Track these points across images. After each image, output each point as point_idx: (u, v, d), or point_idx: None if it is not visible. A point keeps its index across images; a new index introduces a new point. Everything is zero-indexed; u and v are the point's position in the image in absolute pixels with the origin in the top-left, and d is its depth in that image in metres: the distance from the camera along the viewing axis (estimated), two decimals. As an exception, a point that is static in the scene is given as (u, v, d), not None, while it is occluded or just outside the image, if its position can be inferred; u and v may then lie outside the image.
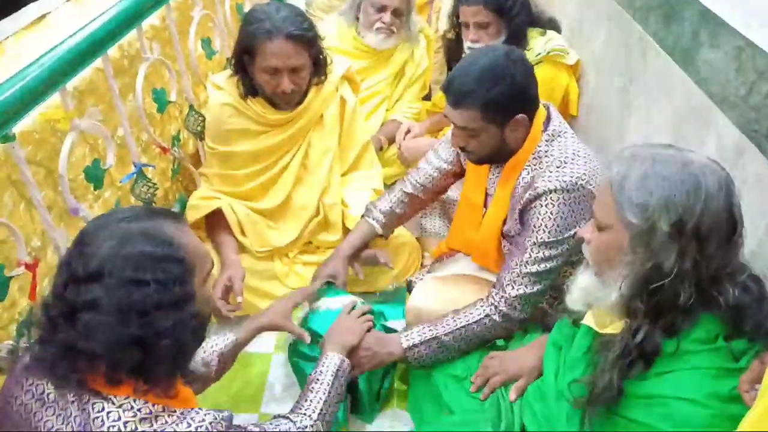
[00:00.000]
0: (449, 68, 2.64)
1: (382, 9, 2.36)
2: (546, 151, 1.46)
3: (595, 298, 1.08)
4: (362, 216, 1.88)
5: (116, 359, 0.86)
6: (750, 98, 1.18)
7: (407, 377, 1.72)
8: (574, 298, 1.13)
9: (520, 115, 1.43)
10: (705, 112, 1.34)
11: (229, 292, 1.80)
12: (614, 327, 1.08)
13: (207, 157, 2.00)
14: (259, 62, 1.75)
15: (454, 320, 1.50)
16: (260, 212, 2.00)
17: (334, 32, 2.51)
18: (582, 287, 1.10)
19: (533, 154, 1.48)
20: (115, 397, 0.88)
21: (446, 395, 1.49)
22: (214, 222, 1.95)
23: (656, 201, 0.95)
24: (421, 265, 2.04)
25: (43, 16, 1.64)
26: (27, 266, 1.21)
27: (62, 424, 0.87)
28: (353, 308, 1.67)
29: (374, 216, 1.84)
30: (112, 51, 1.56)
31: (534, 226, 1.44)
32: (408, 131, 2.43)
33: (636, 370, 1.03)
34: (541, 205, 1.42)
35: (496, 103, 1.40)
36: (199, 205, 1.92)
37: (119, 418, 0.86)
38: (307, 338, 1.55)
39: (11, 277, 1.19)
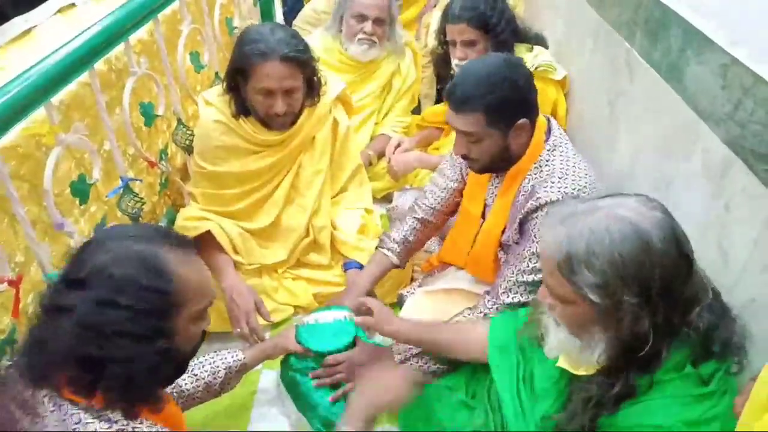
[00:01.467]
0: (439, 83, 2.66)
1: (362, 19, 2.37)
2: (548, 161, 1.47)
3: (574, 355, 1.06)
4: (376, 248, 1.87)
5: (74, 370, 0.86)
6: (736, 114, 1.19)
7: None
8: (551, 351, 1.10)
9: (523, 119, 1.44)
10: (692, 127, 1.35)
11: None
12: (588, 369, 1.06)
13: (195, 176, 1.96)
14: (252, 83, 1.73)
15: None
16: (250, 232, 1.97)
17: (319, 47, 2.51)
18: (561, 345, 1.07)
19: (535, 163, 1.48)
20: (92, 408, 0.87)
21: (438, 408, 1.48)
22: (205, 242, 1.89)
23: (613, 278, 0.93)
24: (412, 279, 2.03)
25: (29, 30, 1.62)
26: (10, 282, 1.19)
27: None
28: (339, 321, 1.67)
29: (389, 246, 1.83)
30: (99, 64, 1.55)
31: (534, 236, 1.44)
32: (398, 145, 2.43)
33: (609, 411, 1.02)
34: (543, 216, 1.43)
35: (499, 107, 1.41)
36: (187, 227, 1.87)
37: (95, 430, 0.85)
38: (310, 353, 1.60)
39: (-7, 294, 1.17)
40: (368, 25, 2.37)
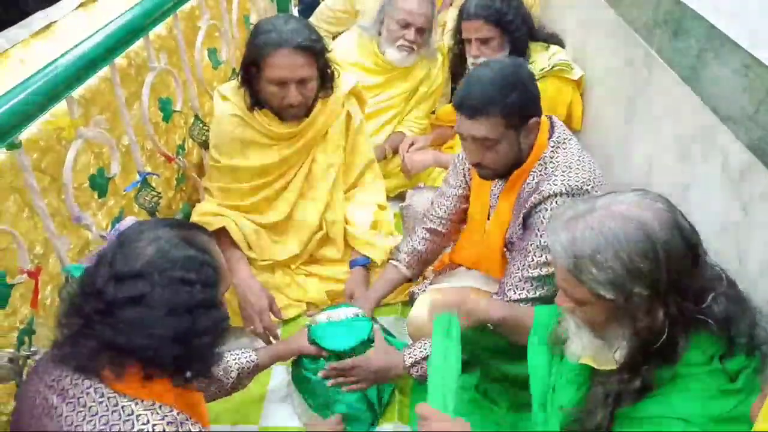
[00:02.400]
0: (453, 82, 2.66)
1: (406, 26, 2.35)
2: (551, 158, 1.47)
3: (598, 354, 1.06)
4: (387, 260, 1.87)
5: (158, 353, 0.91)
6: (758, 116, 1.18)
7: (408, 389, 1.71)
8: (574, 353, 1.10)
9: (534, 118, 1.45)
10: (711, 129, 1.34)
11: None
12: (611, 363, 1.06)
13: (210, 170, 1.98)
14: (266, 74, 1.75)
15: None
16: (263, 226, 1.99)
17: (354, 45, 2.51)
18: (584, 349, 1.08)
19: (539, 161, 1.48)
20: (141, 400, 0.91)
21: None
22: (218, 237, 1.89)
23: (622, 272, 0.94)
24: (423, 277, 2.03)
25: (50, 25, 1.64)
26: (29, 274, 1.21)
27: (83, 421, 0.88)
28: (353, 318, 1.68)
29: (399, 258, 1.84)
30: (119, 60, 1.56)
31: (537, 229, 1.44)
32: (412, 144, 2.43)
33: (628, 404, 1.02)
34: (546, 209, 1.43)
35: (516, 108, 1.41)
36: (202, 222, 1.87)
37: (148, 421, 0.88)
38: (324, 354, 1.59)
39: (12, 285, 1.18)
40: (411, 33, 2.35)
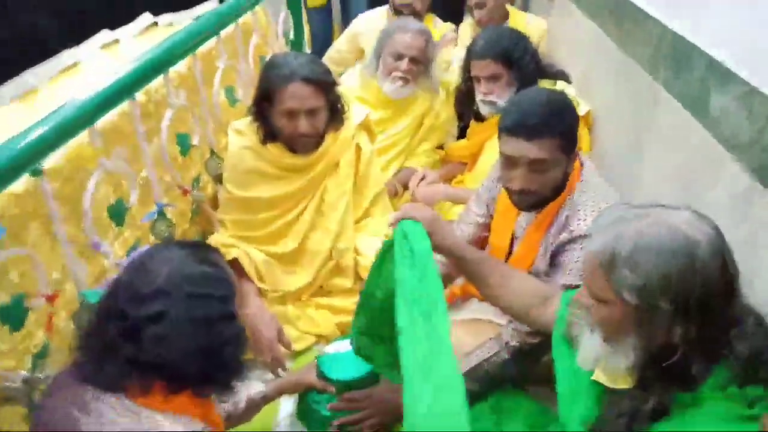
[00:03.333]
0: (460, 119, 2.71)
1: (399, 57, 2.44)
2: (581, 194, 1.47)
3: (607, 362, 1.05)
4: None
5: (183, 367, 0.95)
6: (761, 141, 1.20)
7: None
8: (584, 361, 1.10)
9: (577, 147, 1.48)
10: (716, 157, 1.36)
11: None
12: (626, 382, 1.05)
13: (223, 202, 2.03)
14: (277, 106, 1.82)
15: (465, 362, 1.49)
16: (275, 256, 2.01)
17: (357, 83, 2.59)
18: (593, 352, 1.07)
19: (570, 196, 1.49)
20: (164, 411, 0.94)
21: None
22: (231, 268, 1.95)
23: (653, 281, 0.92)
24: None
25: (76, 64, 1.72)
26: (47, 298, 1.23)
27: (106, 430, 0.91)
28: None
29: None
30: (139, 95, 1.63)
31: (566, 269, 1.44)
32: (423, 178, 2.46)
33: (642, 425, 1.00)
34: (575, 249, 1.43)
35: (570, 132, 1.44)
36: None
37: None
38: (331, 389, 1.58)
39: (29, 309, 1.21)
40: (404, 63, 2.44)
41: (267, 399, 1.53)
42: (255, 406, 1.50)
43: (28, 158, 1.17)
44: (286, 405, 1.78)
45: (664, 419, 0.99)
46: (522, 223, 1.62)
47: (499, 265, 1.42)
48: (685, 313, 0.93)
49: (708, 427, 0.94)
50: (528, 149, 1.40)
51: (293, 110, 1.81)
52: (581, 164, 1.54)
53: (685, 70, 1.52)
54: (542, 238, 1.53)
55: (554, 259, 1.49)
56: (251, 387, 1.49)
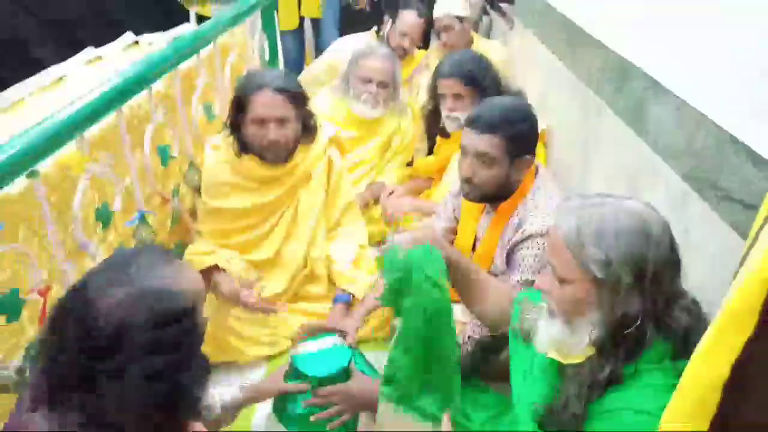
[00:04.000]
0: (429, 137, 2.87)
1: (368, 81, 2.60)
2: (533, 197, 1.63)
3: (566, 344, 1.14)
4: (379, 279, 1.98)
5: (144, 420, 0.90)
6: (690, 148, 1.36)
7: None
8: (542, 345, 1.18)
9: (527, 156, 1.62)
10: (653, 163, 1.52)
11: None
12: (578, 357, 1.15)
13: (201, 213, 2.11)
14: (249, 114, 1.92)
15: None
16: (251, 264, 2.10)
17: (327, 104, 2.73)
18: (551, 336, 1.16)
19: (523, 200, 1.64)
20: None
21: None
22: (208, 269, 2.00)
23: (617, 256, 1.04)
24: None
25: (61, 78, 1.81)
26: (39, 292, 1.30)
27: None
28: (333, 347, 1.77)
29: None
30: (125, 108, 1.71)
31: (519, 266, 1.57)
32: (391, 192, 2.59)
33: (598, 395, 1.10)
34: (527, 247, 1.57)
35: (519, 138, 1.60)
36: (195, 261, 1.97)
37: None
38: (305, 388, 1.63)
39: (24, 301, 1.28)
40: (372, 87, 2.60)
41: (241, 406, 1.56)
42: (231, 413, 1.54)
43: (24, 161, 1.25)
44: (263, 405, 1.85)
45: (612, 390, 1.09)
46: (483, 225, 1.76)
47: (486, 276, 1.50)
48: (643, 285, 1.05)
49: (647, 397, 1.05)
50: (476, 141, 1.60)
51: (263, 117, 1.91)
52: (536, 172, 1.69)
53: (626, 87, 1.70)
54: (499, 239, 1.67)
55: (509, 258, 1.63)
56: (226, 393, 1.55)
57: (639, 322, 1.05)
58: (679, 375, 1.07)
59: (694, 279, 1.31)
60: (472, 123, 1.62)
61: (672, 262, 1.08)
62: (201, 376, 0.98)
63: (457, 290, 1.44)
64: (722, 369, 0.68)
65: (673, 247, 1.08)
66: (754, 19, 1.18)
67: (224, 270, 2.00)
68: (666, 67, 1.51)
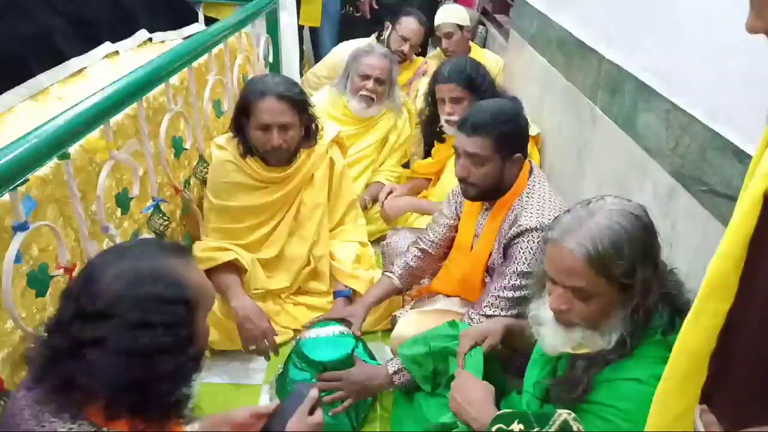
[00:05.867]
0: (426, 142, 2.97)
1: (366, 77, 2.70)
2: (529, 195, 1.72)
3: (592, 343, 1.19)
4: (383, 273, 2.08)
5: (115, 398, 0.88)
6: (677, 149, 1.47)
7: (389, 404, 1.86)
8: (555, 346, 1.24)
9: (518, 154, 1.72)
10: (642, 163, 1.63)
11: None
12: (588, 347, 1.22)
13: (206, 212, 2.16)
14: (253, 120, 1.99)
15: None
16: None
17: (326, 101, 2.82)
18: (577, 340, 1.19)
19: (519, 197, 1.73)
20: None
21: (427, 411, 1.64)
22: (218, 266, 2.04)
23: (637, 260, 1.10)
24: (402, 306, 2.22)
25: (82, 70, 1.88)
26: (65, 269, 1.37)
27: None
28: (338, 335, 1.85)
29: (392, 270, 2.03)
30: (144, 99, 1.79)
31: (515, 258, 1.66)
32: (390, 192, 2.68)
33: (599, 369, 1.19)
34: (523, 241, 1.66)
35: (506, 137, 1.69)
36: (208, 257, 2.01)
37: None
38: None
39: (52, 277, 1.34)
40: (370, 83, 2.70)
41: None
42: None
43: (57, 144, 1.31)
44: (265, 398, 1.92)
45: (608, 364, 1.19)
46: (481, 222, 1.85)
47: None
48: (658, 271, 1.14)
49: (640, 367, 1.15)
50: (465, 142, 1.70)
51: (266, 124, 1.97)
52: (531, 171, 1.79)
53: (618, 93, 1.81)
54: (496, 234, 1.77)
55: (506, 251, 1.72)
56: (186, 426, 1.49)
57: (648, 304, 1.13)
58: (669, 348, 1.17)
59: (681, 265, 1.39)
60: (462, 126, 1.72)
61: (658, 246, 1.18)
62: (183, 371, 0.95)
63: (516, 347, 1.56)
64: (708, 334, 0.75)
65: (653, 229, 1.18)
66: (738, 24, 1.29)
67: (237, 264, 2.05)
68: (655, 70, 1.62)
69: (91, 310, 0.89)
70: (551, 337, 1.23)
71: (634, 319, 1.15)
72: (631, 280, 1.12)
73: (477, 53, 3.29)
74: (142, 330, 0.89)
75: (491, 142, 1.68)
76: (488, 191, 1.76)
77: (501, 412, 1.23)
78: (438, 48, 3.38)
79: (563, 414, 1.12)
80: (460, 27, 3.20)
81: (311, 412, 1.28)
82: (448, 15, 3.20)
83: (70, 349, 0.88)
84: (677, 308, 1.18)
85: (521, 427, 1.14)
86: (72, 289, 0.94)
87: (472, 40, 3.50)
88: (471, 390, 1.36)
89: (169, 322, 0.91)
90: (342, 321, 1.93)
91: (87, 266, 0.96)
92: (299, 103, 2.03)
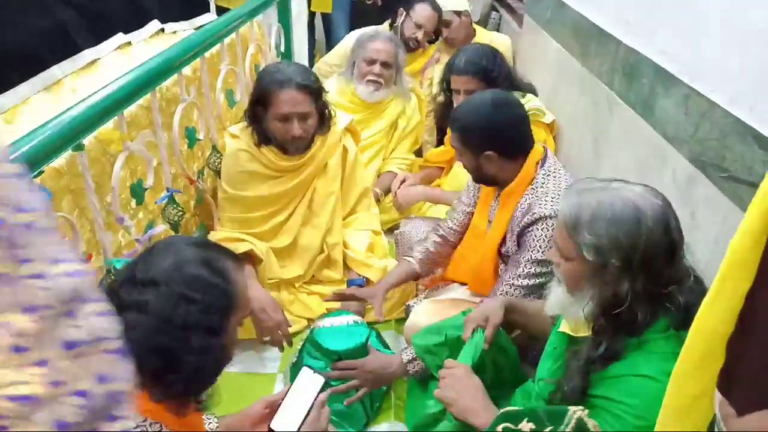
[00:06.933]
0: (438, 130, 2.95)
1: (372, 62, 2.69)
2: (543, 184, 1.71)
3: (567, 309, 1.24)
4: (402, 257, 2.09)
5: (141, 361, 0.91)
6: (696, 135, 1.44)
7: (404, 393, 1.86)
8: (550, 305, 1.30)
9: (489, 152, 1.70)
10: (661, 150, 1.60)
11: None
12: (584, 330, 1.23)
13: (220, 202, 2.17)
14: (271, 110, 1.98)
15: None
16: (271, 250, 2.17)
17: (334, 89, 2.81)
18: (557, 298, 1.27)
19: (531, 185, 1.72)
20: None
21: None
22: None
23: (607, 242, 1.11)
24: (416, 295, 2.22)
25: (95, 61, 1.88)
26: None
27: None
28: (353, 324, 1.85)
29: (413, 255, 2.04)
30: (157, 90, 1.79)
31: (529, 246, 1.66)
32: (403, 181, 2.67)
33: (598, 369, 1.18)
34: (538, 229, 1.65)
35: (469, 133, 1.73)
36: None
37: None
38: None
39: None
40: (376, 67, 2.68)
41: None
42: None
43: (71, 135, 1.32)
44: (280, 387, 1.93)
45: (616, 362, 1.18)
46: (494, 208, 1.84)
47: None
48: (631, 269, 1.13)
49: (651, 363, 1.14)
50: (451, 135, 1.81)
51: (287, 114, 1.97)
52: (544, 159, 1.76)
53: (636, 79, 1.78)
54: (509, 221, 1.75)
55: (520, 239, 1.71)
56: (208, 424, 1.40)
57: (628, 303, 1.13)
58: (681, 344, 1.16)
59: (701, 255, 1.38)
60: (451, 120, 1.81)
61: (666, 250, 1.15)
62: (209, 355, 0.99)
63: (521, 325, 1.60)
64: (726, 315, 0.73)
65: (669, 236, 1.15)
66: (760, 8, 1.25)
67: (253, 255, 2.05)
68: (674, 55, 1.59)
69: (141, 277, 0.97)
70: (553, 295, 1.27)
71: (604, 303, 1.15)
72: (601, 260, 1.13)
73: (482, 37, 3.24)
74: (183, 302, 0.96)
75: (458, 135, 1.76)
76: (481, 179, 1.81)
77: (505, 409, 1.23)
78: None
79: (577, 411, 1.12)
80: (458, 13, 3.15)
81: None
82: (444, 2, 3.14)
83: (118, 308, 0.91)
84: (689, 309, 1.15)
85: (531, 426, 1.13)
86: (133, 260, 1.03)
87: (485, 27, 3.45)
88: (461, 384, 1.38)
89: (208, 304, 0.98)
90: (362, 302, 1.95)
91: (151, 245, 1.06)
92: (316, 91, 2.03)
